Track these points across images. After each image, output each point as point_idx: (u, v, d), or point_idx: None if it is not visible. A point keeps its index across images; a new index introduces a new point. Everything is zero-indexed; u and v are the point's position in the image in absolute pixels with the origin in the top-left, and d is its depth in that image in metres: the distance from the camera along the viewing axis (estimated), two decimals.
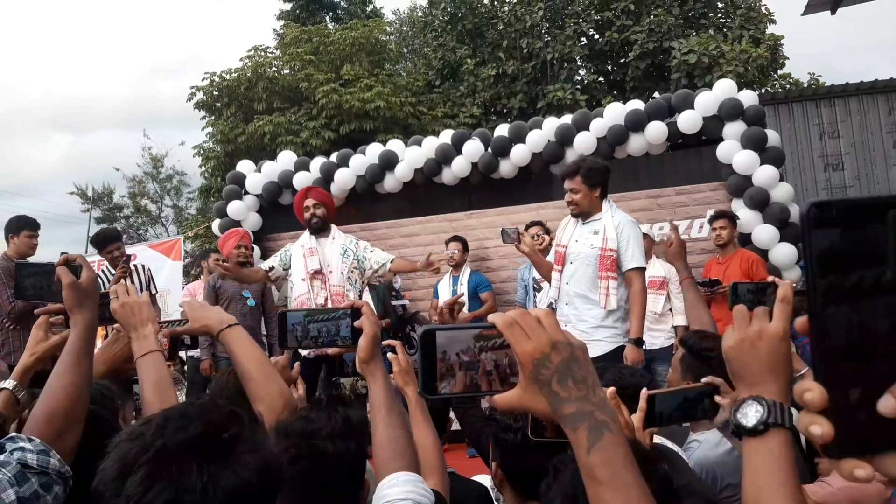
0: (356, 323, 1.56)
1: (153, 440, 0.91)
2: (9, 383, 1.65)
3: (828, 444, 0.52)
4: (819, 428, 0.51)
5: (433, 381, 0.88)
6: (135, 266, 5.47)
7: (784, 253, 5.42)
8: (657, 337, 5.35)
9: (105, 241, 5.46)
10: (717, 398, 1.79)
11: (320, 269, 4.90)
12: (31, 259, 4.77)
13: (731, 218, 5.35)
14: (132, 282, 5.40)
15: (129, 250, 5.77)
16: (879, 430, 0.51)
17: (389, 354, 1.97)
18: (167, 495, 0.87)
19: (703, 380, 1.82)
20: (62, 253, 1.57)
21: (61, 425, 1.32)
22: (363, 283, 5.18)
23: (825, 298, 0.52)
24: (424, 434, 1.83)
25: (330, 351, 1.82)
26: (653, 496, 0.77)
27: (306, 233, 5.12)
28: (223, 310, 1.80)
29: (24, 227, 4.97)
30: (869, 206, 0.52)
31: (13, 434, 1.27)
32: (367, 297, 5.35)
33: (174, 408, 1.00)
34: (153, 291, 5.66)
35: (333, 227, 5.15)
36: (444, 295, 6.00)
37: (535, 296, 5.73)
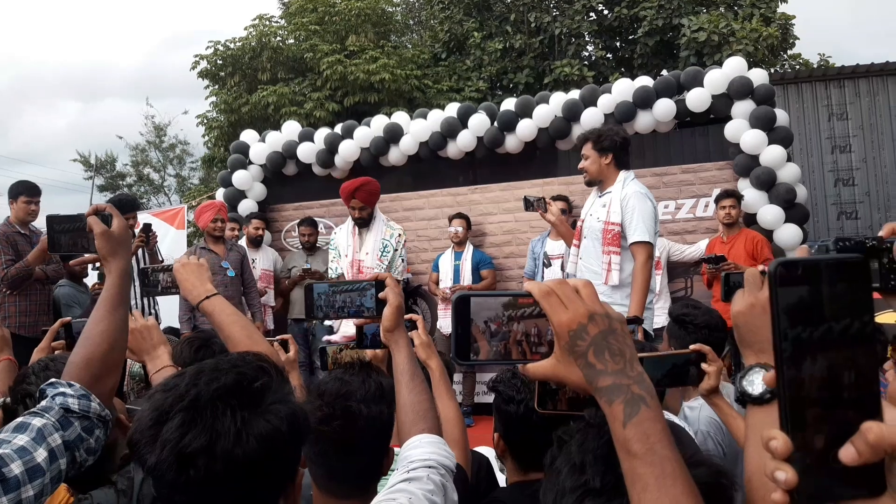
0: (381, 294, 1.60)
1: (188, 389, 0.95)
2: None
3: (792, 489, 0.54)
4: (783, 474, 0.53)
5: (466, 347, 0.88)
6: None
7: (789, 234, 5.41)
8: (659, 315, 5.32)
9: (124, 208, 5.24)
10: (704, 365, 1.81)
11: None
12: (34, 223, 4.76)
13: (738, 197, 5.33)
14: (145, 251, 5.35)
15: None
16: (842, 478, 0.53)
17: (412, 332, 1.99)
18: (202, 440, 0.91)
19: (691, 347, 1.84)
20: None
21: (99, 370, 1.35)
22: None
23: (792, 350, 0.55)
24: (447, 407, 1.86)
25: (355, 322, 1.87)
26: (688, 470, 0.76)
27: (351, 223, 5.21)
28: (205, 270, 1.82)
29: (21, 192, 4.92)
30: (833, 265, 0.56)
31: (53, 380, 1.30)
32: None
33: (206, 362, 1.03)
34: (160, 258, 5.64)
35: (378, 215, 5.23)
36: (446, 269, 6.03)
37: (543, 271, 5.71)
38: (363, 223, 5.11)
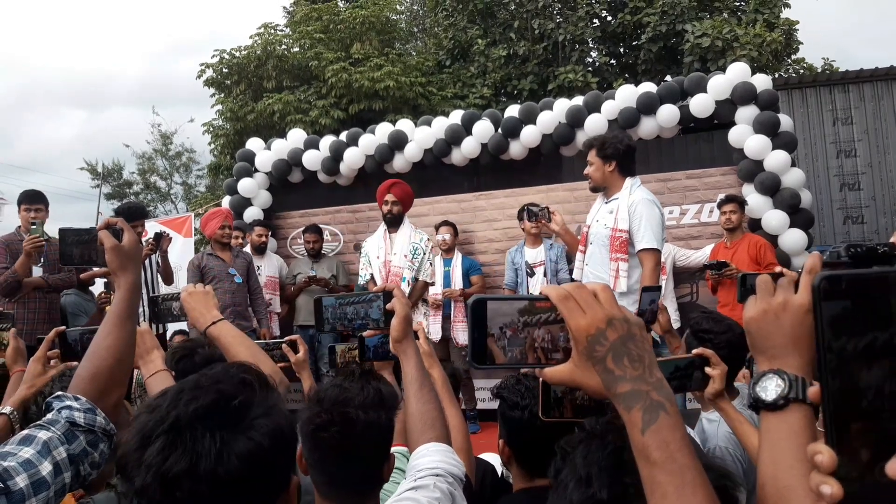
0: (388, 305, 1.62)
1: (168, 411, 0.96)
2: (7, 409, 1.71)
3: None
4: (829, 488, 0.53)
5: (483, 351, 0.86)
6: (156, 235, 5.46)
7: (793, 239, 5.40)
8: None
9: (133, 215, 5.23)
10: (708, 369, 1.82)
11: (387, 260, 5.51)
12: (46, 228, 4.78)
13: (741, 202, 5.32)
14: (155, 256, 5.38)
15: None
16: (888, 492, 0.51)
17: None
18: (184, 463, 0.91)
19: (694, 351, 1.85)
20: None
21: (105, 384, 1.35)
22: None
23: (837, 362, 0.54)
24: (450, 416, 1.87)
25: (366, 333, 1.92)
26: (708, 479, 0.75)
27: (382, 228, 5.59)
28: (211, 297, 1.91)
29: (22, 200, 4.96)
30: (878, 278, 0.55)
31: (59, 393, 1.30)
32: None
33: (189, 379, 1.04)
34: (169, 264, 5.66)
35: (406, 222, 5.59)
36: (436, 276, 6.04)
37: (527, 280, 5.71)
38: (393, 221, 5.39)
